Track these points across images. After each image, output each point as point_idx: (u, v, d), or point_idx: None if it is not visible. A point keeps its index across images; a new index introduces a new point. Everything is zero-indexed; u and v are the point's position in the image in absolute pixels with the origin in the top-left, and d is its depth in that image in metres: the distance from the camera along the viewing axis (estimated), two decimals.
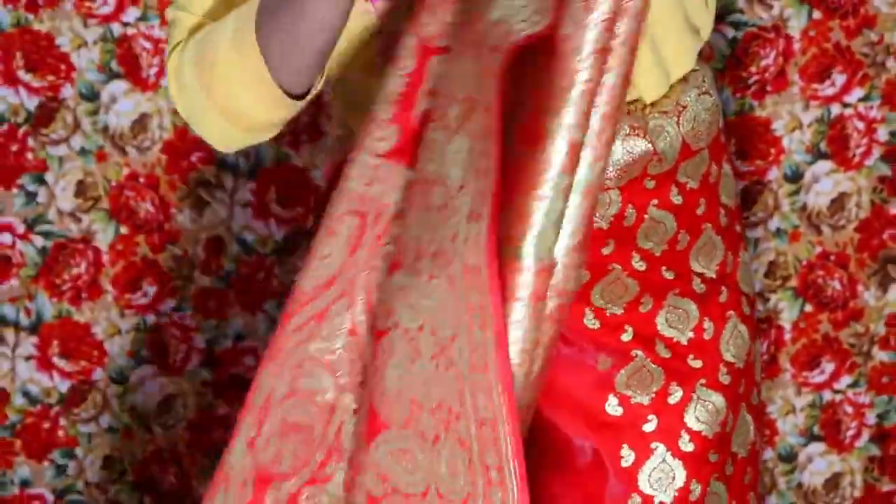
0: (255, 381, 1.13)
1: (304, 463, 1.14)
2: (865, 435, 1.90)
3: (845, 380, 1.87)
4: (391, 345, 1.08)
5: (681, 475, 1.21)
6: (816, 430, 1.91)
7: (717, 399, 1.22)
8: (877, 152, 1.78)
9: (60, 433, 1.91)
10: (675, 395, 1.21)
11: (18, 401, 1.89)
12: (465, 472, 1.08)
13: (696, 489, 1.22)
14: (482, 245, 1.09)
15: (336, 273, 1.13)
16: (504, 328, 1.06)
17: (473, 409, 1.08)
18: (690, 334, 1.23)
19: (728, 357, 1.24)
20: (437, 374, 1.06)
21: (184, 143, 1.82)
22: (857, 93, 1.77)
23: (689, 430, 1.21)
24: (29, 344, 1.87)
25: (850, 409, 1.87)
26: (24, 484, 1.93)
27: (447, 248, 1.10)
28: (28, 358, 1.87)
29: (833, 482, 1.93)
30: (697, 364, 1.22)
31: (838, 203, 1.80)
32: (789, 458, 1.93)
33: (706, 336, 1.23)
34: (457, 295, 1.08)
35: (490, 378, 1.07)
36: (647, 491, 1.20)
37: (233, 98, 1.16)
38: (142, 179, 1.81)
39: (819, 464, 1.92)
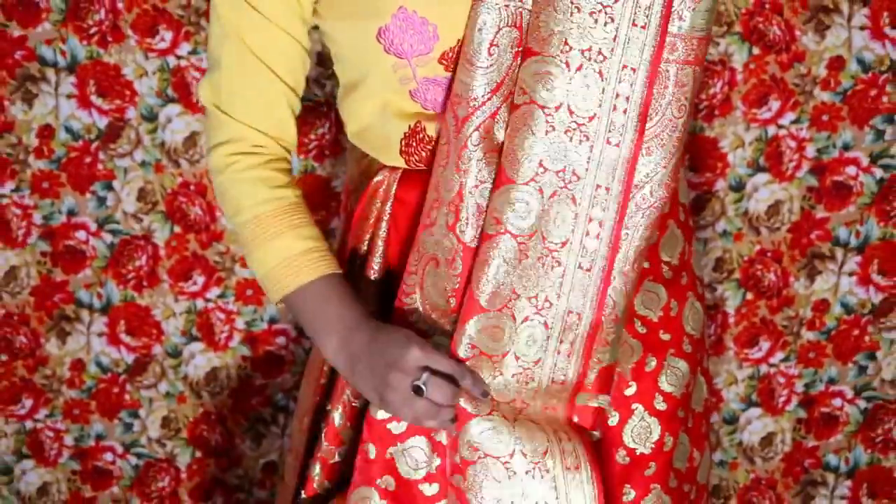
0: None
1: None
2: (794, 401, 1.98)
3: (778, 355, 1.97)
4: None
5: (656, 430, 1.31)
6: (754, 397, 1.99)
7: (683, 365, 1.33)
8: (806, 166, 1.87)
9: (127, 397, 2.01)
10: (651, 364, 1.31)
11: (93, 369, 1.99)
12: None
13: (669, 441, 1.33)
14: None
15: None
16: None
17: None
18: (660, 313, 1.33)
19: (689, 330, 1.36)
20: None
21: None
22: (790, 116, 1.85)
23: (662, 392, 1.31)
24: (100, 323, 1.96)
25: (782, 380, 1.97)
26: (99, 437, 2.02)
27: None
28: (100, 335, 1.97)
29: (767, 440, 2.02)
30: (667, 337, 1.33)
31: (774, 209, 1.90)
32: (732, 420, 2.01)
33: (672, 314, 1.34)
34: None
35: None
36: (630, 445, 1.31)
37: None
38: (192, 187, 1.91)
39: (756, 425, 2.01)
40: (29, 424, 2.00)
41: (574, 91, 1.14)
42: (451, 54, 1.22)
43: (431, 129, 1.28)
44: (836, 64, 1.82)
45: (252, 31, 1.26)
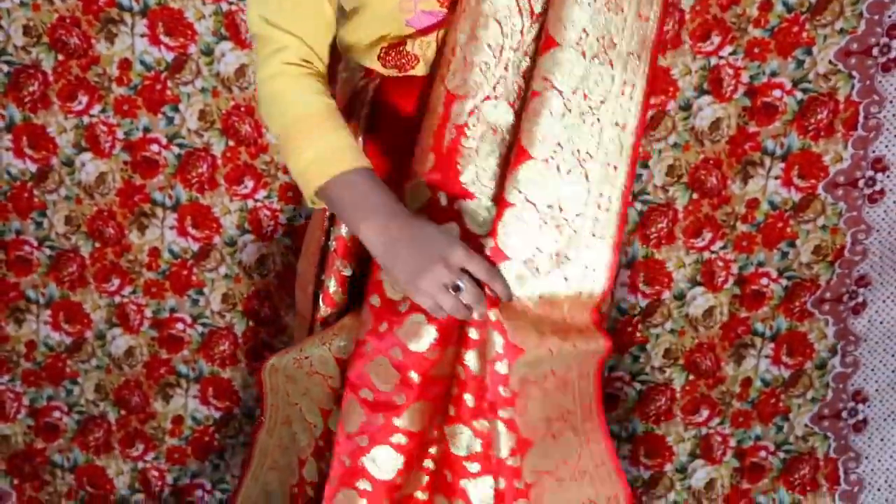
0: None
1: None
2: (731, 281, 2.08)
3: (718, 244, 2.06)
4: None
5: None
6: (699, 278, 2.09)
7: None
8: (741, 90, 1.97)
9: (194, 277, 2.14)
10: None
11: (166, 255, 2.13)
12: None
13: None
14: None
15: None
16: None
17: None
18: None
19: None
20: None
21: None
22: (728, 49, 1.94)
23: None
24: (171, 218, 2.11)
25: (721, 264, 2.07)
26: (172, 310, 2.17)
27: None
28: (171, 228, 2.11)
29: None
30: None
31: (715, 124, 1.99)
32: (679, 296, 2.13)
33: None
34: None
35: None
36: None
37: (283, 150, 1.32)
38: (242, 109, 2.03)
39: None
40: (117, 299, 2.16)
41: None
42: None
43: (410, 46, 1.33)
44: (766, 6, 1.92)
45: None
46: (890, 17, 1.88)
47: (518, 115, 1.25)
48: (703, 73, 1.97)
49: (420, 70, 1.34)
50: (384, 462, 1.27)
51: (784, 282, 2.09)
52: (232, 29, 2.00)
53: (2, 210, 2.09)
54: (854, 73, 1.93)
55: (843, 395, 2.15)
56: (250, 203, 2.11)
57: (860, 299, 2.08)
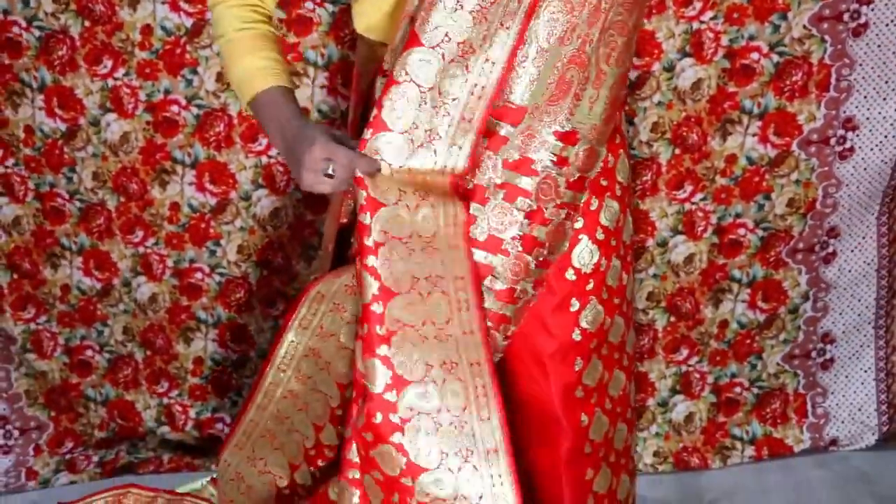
0: None
1: None
2: (710, 230, 2.14)
3: (698, 196, 2.12)
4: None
5: (596, 255, 1.45)
6: (680, 227, 2.14)
7: (615, 205, 1.47)
8: (721, 52, 2.01)
9: (211, 230, 2.19)
10: (594, 204, 1.44)
11: (186, 209, 2.18)
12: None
13: (604, 263, 1.46)
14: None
15: None
16: None
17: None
18: (600, 165, 1.44)
19: (620, 178, 1.49)
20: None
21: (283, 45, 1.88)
22: (709, 14, 1.98)
23: (601, 226, 1.45)
24: (190, 175, 2.16)
25: (700, 214, 2.13)
26: (192, 260, 2.23)
27: None
28: (190, 183, 2.17)
29: (688, 259, 2.18)
30: (605, 183, 1.46)
31: (696, 85, 2.04)
32: (662, 244, 2.17)
33: (609, 165, 1.46)
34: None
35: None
36: (577, 266, 1.44)
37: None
38: None
39: (681, 248, 2.18)
40: (141, 249, 2.24)
41: None
42: None
43: None
44: None
45: None
46: None
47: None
48: (685, 36, 2.02)
49: None
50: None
51: (760, 232, 2.16)
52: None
53: (37, 164, 2.16)
54: (826, 37, 1.98)
55: (813, 337, 2.25)
56: (264, 159, 2.17)
57: (831, 249, 2.16)
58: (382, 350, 1.31)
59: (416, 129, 1.33)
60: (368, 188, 1.31)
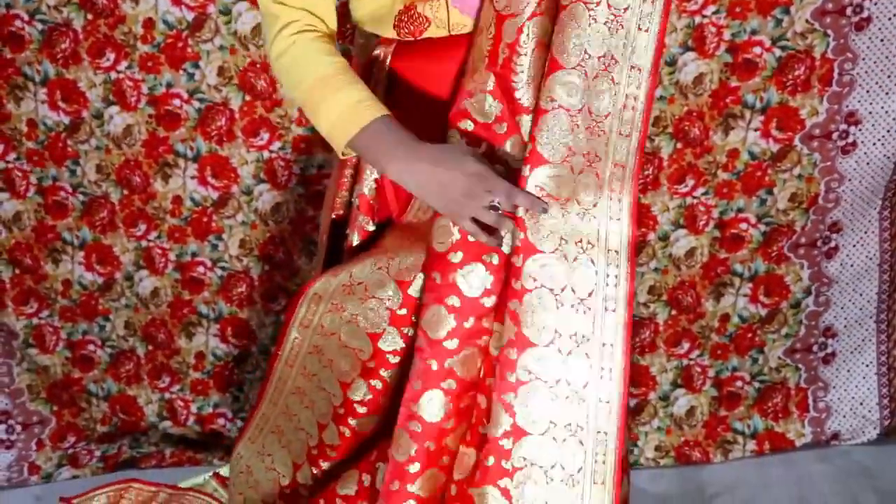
0: None
1: None
2: (711, 224, 2.12)
3: (700, 190, 2.10)
4: None
5: None
6: (682, 221, 2.13)
7: None
8: (723, 46, 1.99)
9: (213, 225, 2.19)
10: None
11: (188, 203, 2.16)
12: None
13: None
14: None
15: None
16: None
17: None
18: None
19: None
20: None
21: None
22: (711, 8, 1.96)
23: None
24: (192, 168, 2.14)
25: (702, 209, 2.11)
26: (194, 254, 2.23)
27: None
28: (192, 177, 2.15)
29: (690, 253, 2.16)
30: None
31: (699, 79, 2.02)
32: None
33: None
34: None
35: None
36: None
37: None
38: (258, 65, 2.05)
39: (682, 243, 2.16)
40: (144, 243, 2.22)
41: None
42: None
43: (420, 8, 1.35)
44: None
45: None
46: None
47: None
48: (687, 30, 2.00)
49: (432, 32, 1.36)
50: (432, 405, 1.32)
51: (762, 227, 2.14)
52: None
53: (39, 158, 2.14)
54: (829, 31, 1.96)
55: (815, 331, 2.22)
56: (266, 154, 2.15)
57: (833, 244, 2.14)
58: (508, 397, 1.27)
59: (573, 156, 1.26)
60: (528, 231, 1.25)
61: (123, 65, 2.06)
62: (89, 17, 2.02)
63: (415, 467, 1.33)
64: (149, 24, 2.02)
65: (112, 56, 2.05)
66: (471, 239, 1.28)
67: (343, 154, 1.36)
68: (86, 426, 2.35)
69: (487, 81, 1.29)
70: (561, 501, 1.29)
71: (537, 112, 1.25)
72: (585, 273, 1.26)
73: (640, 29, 1.25)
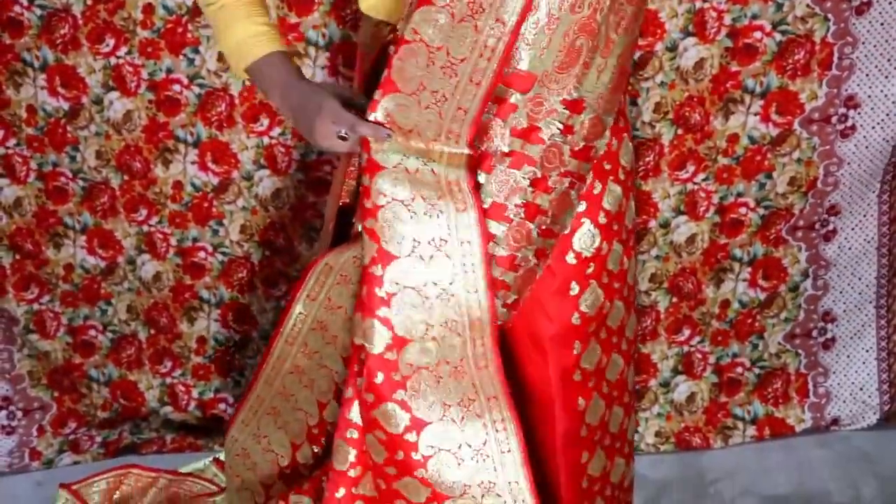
0: None
1: None
2: (712, 210, 2.10)
3: (700, 176, 2.08)
4: None
5: (598, 238, 1.41)
6: (682, 208, 2.10)
7: (618, 189, 1.43)
8: (724, 31, 1.97)
9: (214, 210, 2.17)
10: (597, 188, 1.40)
11: (188, 188, 2.15)
12: None
13: (605, 247, 1.42)
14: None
15: None
16: None
17: None
18: (604, 148, 1.40)
19: (623, 163, 1.45)
20: None
21: (282, 27, 1.98)
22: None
23: (603, 210, 1.41)
24: (193, 154, 2.12)
25: (703, 195, 2.09)
26: (195, 240, 2.20)
27: None
28: (193, 163, 2.13)
29: (691, 238, 2.14)
30: (608, 167, 1.41)
31: (699, 64, 2.00)
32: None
33: (612, 149, 1.41)
34: None
35: None
36: (578, 249, 1.40)
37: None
38: None
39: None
40: (145, 228, 2.20)
41: None
42: None
43: None
44: None
45: None
46: None
47: None
48: (688, 15, 1.98)
49: None
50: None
51: (761, 211, 2.12)
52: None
53: (39, 144, 2.12)
54: (829, 15, 1.94)
55: (814, 316, 2.20)
56: (266, 140, 2.13)
57: (831, 227, 2.12)
58: (382, 311, 1.30)
59: (423, 91, 1.28)
60: (371, 150, 1.29)
61: (123, 50, 2.03)
62: (88, 2, 2.00)
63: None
64: (148, 9, 2.00)
65: (112, 41, 2.03)
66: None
67: (238, 77, 1.54)
68: (86, 412, 2.34)
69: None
70: (451, 393, 1.32)
71: (399, 41, 1.28)
72: (429, 180, 1.31)
73: None
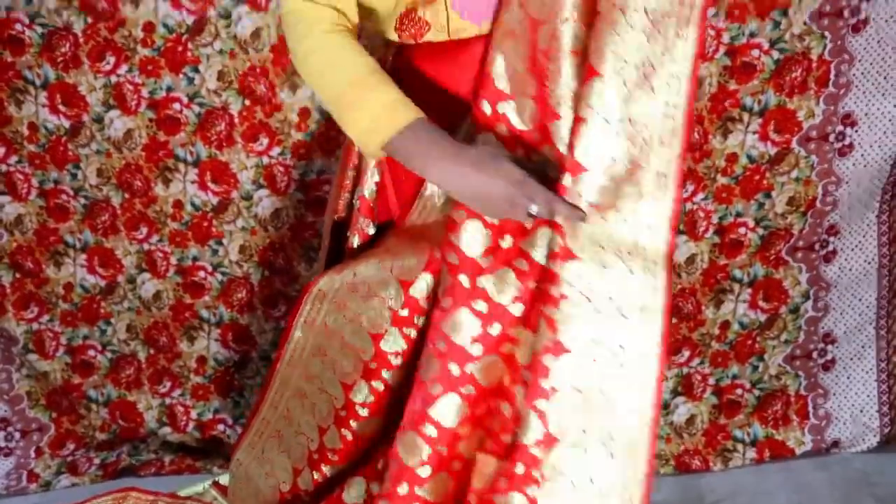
0: None
1: None
2: (711, 230, 2.06)
3: (700, 195, 2.05)
4: None
5: None
6: (681, 227, 2.07)
7: None
8: (722, 49, 1.94)
9: (213, 229, 2.14)
10: None
11: (188, 207, 2.12)
12: None
13: None
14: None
15: None
16: None
17: None
18: None
19: None
20: None
21: (283, 46, 1.96)
22: (710, 11, 1.90)
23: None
24: (192, 173, 2.10)
25: (702, 214, 2.06)
26: (195, 259, 2.17)
27: None
28: (192, 182, 2.11)
29: (690, 259, 2.11)
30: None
31: (698, 82, 1.91)
32: None
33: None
34: None
35: None
36: None
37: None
38: (258, 70, 2.01)
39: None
40: (146, 246, 2.17)
41: None
42: None
43: (421, 12, 1.32)
44: None
45: None
46: None
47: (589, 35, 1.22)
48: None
49: (432, 36, 1.33)
50: (449, 410, 1.28)
51: (760, 231, 2.08)
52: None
53: (41, 161, 2.10)
54: (826, 33, 1.91)
55: (814, 337, 2.16)
56: (265, 159, 2.11)
57: (831, 247, 2.08)
58: (541, 404, 1.22)
59: (614, 165, 1.21)
60: (566, 237, 1.20)
61: (123, 69, 2.02)
62: (89, 20, 1.98)
63: (425, 471, 1.28)
64: (149, 27, 1.98)
65: (112, 60, 2.01)
66: (504, 245, 1.23)
67: (372, 157, 1.30)
68: (85, 433, 2.30)
69: (527, 87, 1.24)
70: None
71: (576, 120, 1.20)
72: (623, 282, 1.20)
73: (678, 36, 1.20)
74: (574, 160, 1.19)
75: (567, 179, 1.20)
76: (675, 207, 1.21)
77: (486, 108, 1.27)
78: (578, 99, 1.20)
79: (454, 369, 1.27)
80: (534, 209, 1.19)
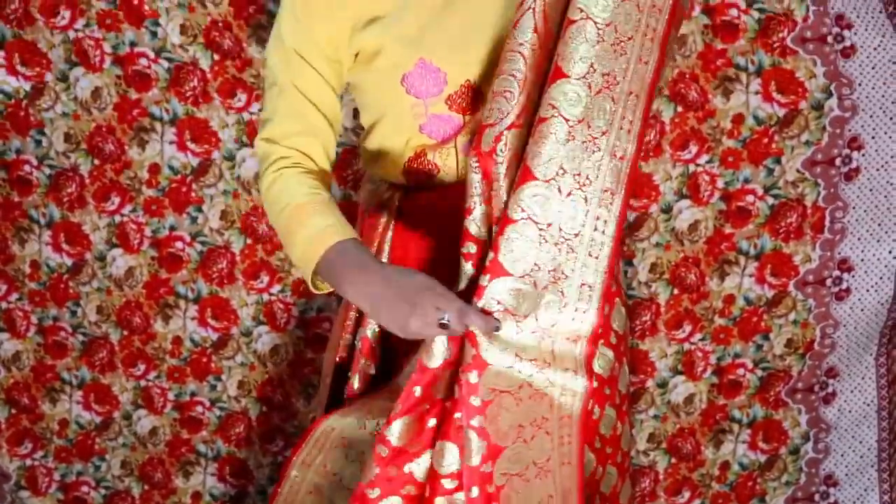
0: None
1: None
2: (709, 371, 2.01)
3: (698, 335, 1.99)
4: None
5: (589, 403, 1.30)
6: (680, 367, 2.01)
7: (609, 353, 1.39)
8: (717, 195, 1.92)
9: (213, 365, 2.09)
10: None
11: (188, 343, 2.08)
12: None
13: (597, 411, 1.35)
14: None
15: None
16: None
17: None
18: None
19: (615, 326, 1.41)
20: None
21: None
22: (705, 157, 1.90)
23: (595, 374, 1.32)
24: (193, 310, 2.06)
25: (700, 354, 2.00)
26: (193, 394, 2.11)
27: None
28: (193, 318, 2.07)
29: (688, 400, 2.05)
30: (599, 331, 1.28)
31: (693, 226, 1.94)
32: (662, 384, 2.04)
33: (604, 312, 1.34)
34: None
35: None
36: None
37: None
38: (260, 210, 1.97)
39: (680, 389, 2.03)
40: (143, 383, 2.11)
41: None
42: (455, 97, 1.30)
43: (430, 155, 1.32)
44: (738, 119, 1.87)
45: (301, 78, 1.31)
46: (850, 131, 1.84)
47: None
48: (682, 178, 1.94)
49: (441, 178, 1.34)
50: None
51: (759, 372, 2.02)
52: (252, 136, 1.97)
53: (41, 298, 2.06)
54: (819, 180, 1.89)
55: (816, 479, 2.07)
56: (266, 297, 2.07)
57: (830, 389, 2.01)
58: None
59: (538, 271, 1.18)
60: (480, 347, 1.16)
61: (128, 208, 1.99)
62: (96, 162, 1.96)
63: None
64: (154, 168, 1.97)
65: (117, 200, 1.99)
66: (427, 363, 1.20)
67: (316, 289, 1.28)
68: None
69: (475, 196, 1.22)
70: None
71: (503, 221, 1.17)
72: (540, 401, 1.19)
73: (614, 157, 1.20)
74: (497, 262, 1.17)
75: (485, 280, 1.16)
76: (598, 321, 1.21)
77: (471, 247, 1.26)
78: (509, 199, 1.18)
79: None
80: (444, 318, 1.14)
